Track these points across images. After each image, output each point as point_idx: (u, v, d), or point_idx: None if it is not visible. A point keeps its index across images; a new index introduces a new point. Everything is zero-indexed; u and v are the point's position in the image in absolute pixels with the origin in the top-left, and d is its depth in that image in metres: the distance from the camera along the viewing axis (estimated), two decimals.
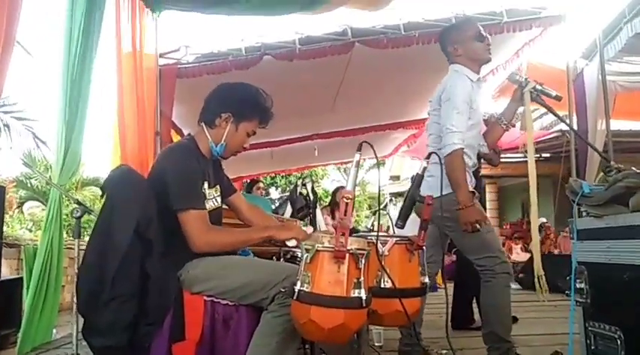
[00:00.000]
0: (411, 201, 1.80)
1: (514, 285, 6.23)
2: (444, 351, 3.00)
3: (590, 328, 1.60)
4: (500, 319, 2.38)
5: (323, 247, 1.54)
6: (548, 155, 9.36)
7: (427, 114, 2.71)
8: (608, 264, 1.50)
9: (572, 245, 1.65)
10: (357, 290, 1.52)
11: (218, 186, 2.18)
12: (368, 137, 7.84)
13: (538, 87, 2.50)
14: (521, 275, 7.04)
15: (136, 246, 1.81)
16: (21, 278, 4.18)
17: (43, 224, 3.62)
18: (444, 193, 2.20)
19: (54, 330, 3.74)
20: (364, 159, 11.07)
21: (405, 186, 15.38)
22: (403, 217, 1.81)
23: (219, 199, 2.16)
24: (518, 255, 9.84)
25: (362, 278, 1.54)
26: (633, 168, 1.95)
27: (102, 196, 1.94)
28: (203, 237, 1.91)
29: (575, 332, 3.36)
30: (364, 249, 1.56)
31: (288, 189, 18.61)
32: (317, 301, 1.50)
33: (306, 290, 1.52)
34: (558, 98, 2.60)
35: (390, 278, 1.64)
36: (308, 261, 1.54)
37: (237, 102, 2.09)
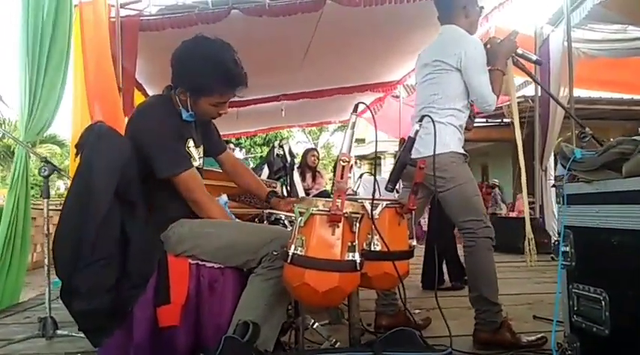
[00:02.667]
0: (402, 164, 1.78)
1: None
2: (417, 311, 3.08)
3: (574, 290, 1.65)
4: (487, 282, 2.41)
5: (317, 210, 1.51)
6: (508, 120, 9.58)
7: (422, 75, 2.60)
8: (597, 229, 1.54)
9: (560, 209, 1.68)
10: (351, 254, 1.52)
11: (202, 146, 2.10)
12: (334, 99, 7.80)
13: (519, 51, 2.50)
14: None
15: (116, 208, 1.74)
16: None
17: (8, 182, 3.48)
18: (437, 153, 2.23)
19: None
20: (334, 122, 10.99)
21: (369, 148, 15.51)
22: (393, 180, 1.80)
23: (201, 160, 2.10)
24: None
25: (356, 241, 1.53)
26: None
27: (77, 155, 1.84)
28: (203, 194, 1.90)
29: (542, 292, 3.56)
30: (358, 213, 1.55)
31: (252, 150, 18.44)
32: (311, 264, 1.49)
33: (300, 253, 1.50)
34: (539, 62, 2.61)
35: (383, 241, 1.64)
36: (302, 224, 1.52)
37: (190, 78, 1.87)
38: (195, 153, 1.99)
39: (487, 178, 13.71)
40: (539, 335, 2.45)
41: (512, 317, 2.60)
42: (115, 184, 1.73)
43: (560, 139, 7.13)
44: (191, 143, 1.97)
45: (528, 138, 6.62)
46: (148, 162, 1.84)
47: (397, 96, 8.55)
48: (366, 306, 2.92)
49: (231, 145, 6.02)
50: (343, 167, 1.47)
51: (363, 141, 16.22)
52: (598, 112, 9.32)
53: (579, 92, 7.68)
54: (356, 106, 1.58)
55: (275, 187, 2.66)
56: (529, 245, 2.35)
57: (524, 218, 3.24)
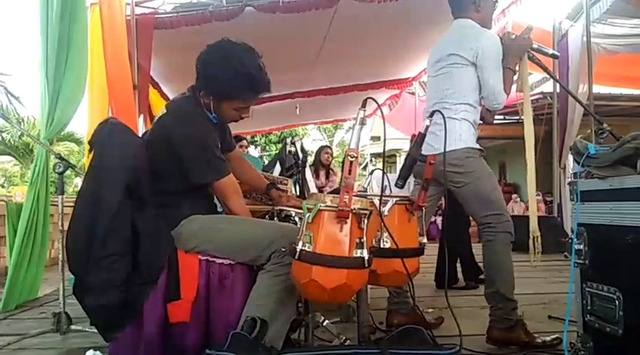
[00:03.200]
0: (412, 160, 1.76)
1: None
2: (430, 310, 3.06)
3: (587, 289, 1.61)
4: (503, 278, 2.37)
5: (325, 207, 1.50)
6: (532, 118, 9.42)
7: (434, 71, 2.56)
8: (610, 226, 1.51)
9: (573, 206, 1.65)
10: (359, 250, 1.50)
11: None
12: (350, 96, 7.77)
13: (534, 45, 2.45)
14: None
15: (127, 204, 1.76)
16: None
17: (29, 180, 3.54)
18: (452, 149, 2.23)
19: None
20: (350, 120, 10.94)
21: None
22: (403, 177, 1.78)
23: None
24: None
25: (364, 238, 1.51)
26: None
27: (90, 151, 1.87)
28: (239, 199, 1.96)
29: (558, 292, 3.51)
30: (367, 209, 1.53)
31: (267, 148, 18.49)
32: (319, 261, 1.47)
33: (308, 249, 1.49)
34: (555, 56, 2.56)
35: (392, 238, 1.62)
36: (310, 220, 1.50)
37: (215, 83, 1.89)
38: None
39: (505, 176, 13.56)
40: (554, 337, 2.41)
41: (527, 317, 2.56)
42: (126, 180, 1.74)
43: (580, 136, 7.00)
44: None
45: (547, 136, 6.53)
46: (179, 165, 1.87)
47: (413, 93, 8.49)
48: (378, 304, 2.91)
49: (244, 142, 6.00)
50: (351, 162, 1.46)
51: (379, 138, 16.13)
52: (618, 109, 9.15)
53: (599, 88, 7.54)
54: (364, 101, 1.57)
55: (286, 184, 2.65)
56: (534, 244, 2.31)
57: (540, 217, 3.18)
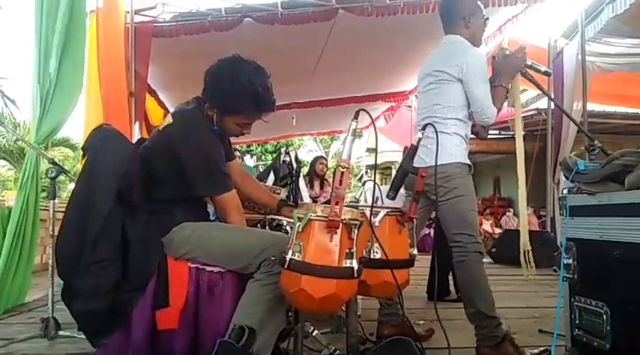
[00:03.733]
0: (404, 172, 1.77)
1: (486, 259, 6.32)
2: (421, 322, 3.06)
3: (575, 303, 1.62)
4: (482, 296, 2.37)
5: (316, 216, 1.50)
6: (522, 133, 9.49)
7: (425, 85, 2.57)
8: (599, 241, 1.52)
9: (563, 221, 1.66)
10: (348, 261, 1.51)
11: None
12: (346, 108, 7.80)
13: (528, 62, 2.48)
14: (493, 249, 7.10)
15: (118, 210, 1.76)
16: None
17: (18, 183, 3.52)
18: (443, 163, 2.25)
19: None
20: (346, 131, 10.96)
21: (381, 158, 15.46)
22: (394, 188, 1.79)
23: None
24: (492, 230, 10.00)
25: (354, 248, 1.52)
26: None
27: (83, 157, 1.87)
28: (238, 216, 1.95)
29: (549, 306, 3.51)
30: (357, 220, 1.54)
31: (263, 157, 18.53)
32: (308, 270, 1.48)
33: (298, 259, 1.49)
34: (547, 74, 2.59)
35: (382, 249, 1.63)
36: (300, 229, 1.51)
37: (222, 97, 1.92)
38: None
39: (499, 191, 13.60)
40: (542, 349, 2.41)
41: (517, 331, 2.56)
42: (117, 186, 1.75)
43: (573, 153, 7.04)
44: None
45: (541, 152, 6.58)
46: (180, 174, 1.87)
47: (410, 106, 8.53)
48: (369, 316, 2.90)
49: (237, 153, 6.02)
50: (342, 173, 1.47)
51: (374, 150, 16.18)
52: (612, 127, 9.23)
53: (593, 106, 7.60)
54: (357, 113, 1.58)
55: (279, 193, 2.66)
56: (525, 257, 2.32)
57: (533, 231, 3.19)
